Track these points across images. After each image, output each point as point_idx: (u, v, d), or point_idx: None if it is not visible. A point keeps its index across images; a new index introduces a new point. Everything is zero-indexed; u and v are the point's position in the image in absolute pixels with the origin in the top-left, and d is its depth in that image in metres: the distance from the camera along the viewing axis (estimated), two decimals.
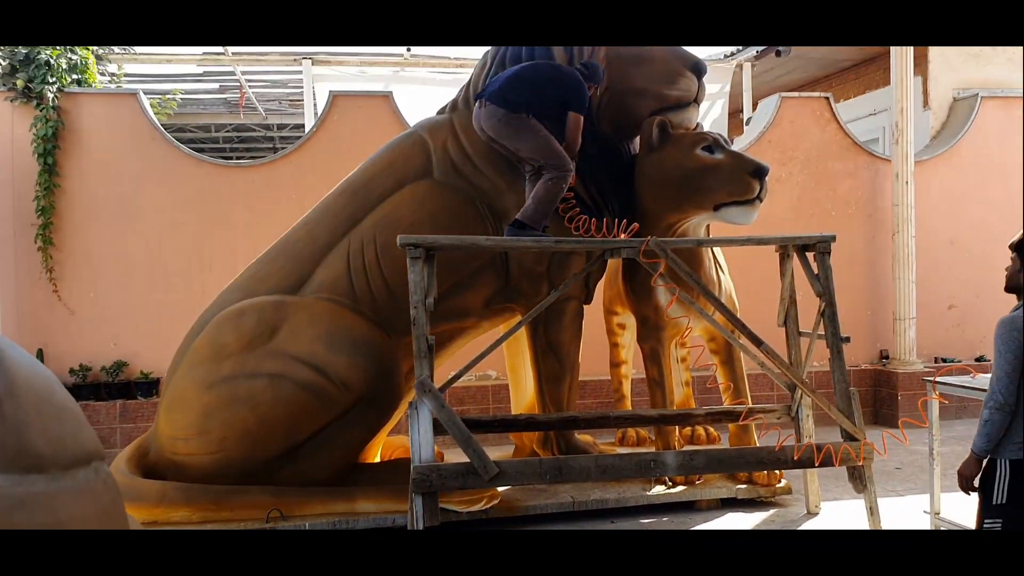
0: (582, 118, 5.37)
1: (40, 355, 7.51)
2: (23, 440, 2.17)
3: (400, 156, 5.92)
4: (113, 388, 7.70)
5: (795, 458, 4.71)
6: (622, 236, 5.23)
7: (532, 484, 5.18)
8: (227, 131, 15.77)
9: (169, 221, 7.95)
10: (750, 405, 5.95)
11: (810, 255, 5.27)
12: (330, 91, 8.27)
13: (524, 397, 6.61)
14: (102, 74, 9.45)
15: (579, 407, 8.36)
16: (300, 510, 5.32)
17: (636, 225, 5.32)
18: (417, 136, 6.00)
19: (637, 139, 6.01)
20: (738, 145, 9.21)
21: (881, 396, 8.99)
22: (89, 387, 7.71)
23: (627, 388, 7.39)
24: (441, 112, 6.18)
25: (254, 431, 5.28)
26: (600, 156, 5.91)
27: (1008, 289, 3.54)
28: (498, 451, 6.98)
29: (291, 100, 13.15)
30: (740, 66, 11.03)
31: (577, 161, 5.79)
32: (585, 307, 6.10)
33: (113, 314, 7.83)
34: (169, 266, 7.92)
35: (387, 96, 8.28)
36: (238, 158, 15.48)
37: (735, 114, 11.77)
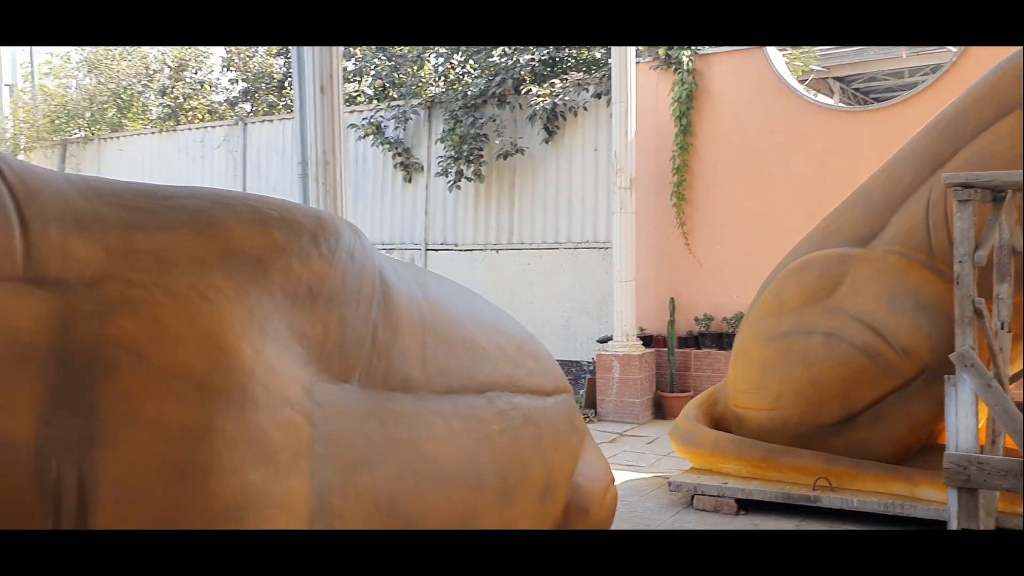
0: None
1: (672, 304, 8.15)
2: (392, 364, 2.44)
3: (1005, 80, 4.79)
4: (733, 338, 7.92)
5: None
6: None
7: None
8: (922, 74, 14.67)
9: (792, 173, 7.81)
10: None
11: None
12: None
13: None
14: None
15: None
16: (851, 483, 4.81)
17: None
18: None
19: None
20: None
21: None
22: (711, 336, 8.10)
23: None
24: None
25: (808, 391, 4.94)
26: None
27: None
28: None
29: None
30: None
31: None
32: None
33: (736, 266, 8.04)
34: (789, 220, 7.78)
35: None
36: None
37: None
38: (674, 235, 8.38)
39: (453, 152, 9.74)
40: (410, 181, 10.55)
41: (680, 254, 8.36)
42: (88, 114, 13.60)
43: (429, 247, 10.36)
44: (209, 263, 1.93)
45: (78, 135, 13.42)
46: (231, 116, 12.96)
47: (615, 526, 4.57)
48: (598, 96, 9.19)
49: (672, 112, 8.27)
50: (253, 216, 2.07)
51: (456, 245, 10.20)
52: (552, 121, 9.42)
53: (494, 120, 9.69)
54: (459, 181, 9.81)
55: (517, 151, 9.59)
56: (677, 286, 8.35)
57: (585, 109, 9.37)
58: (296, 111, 4.67)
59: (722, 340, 8.06)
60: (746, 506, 4.99)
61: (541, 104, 9.27)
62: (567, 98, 9.31)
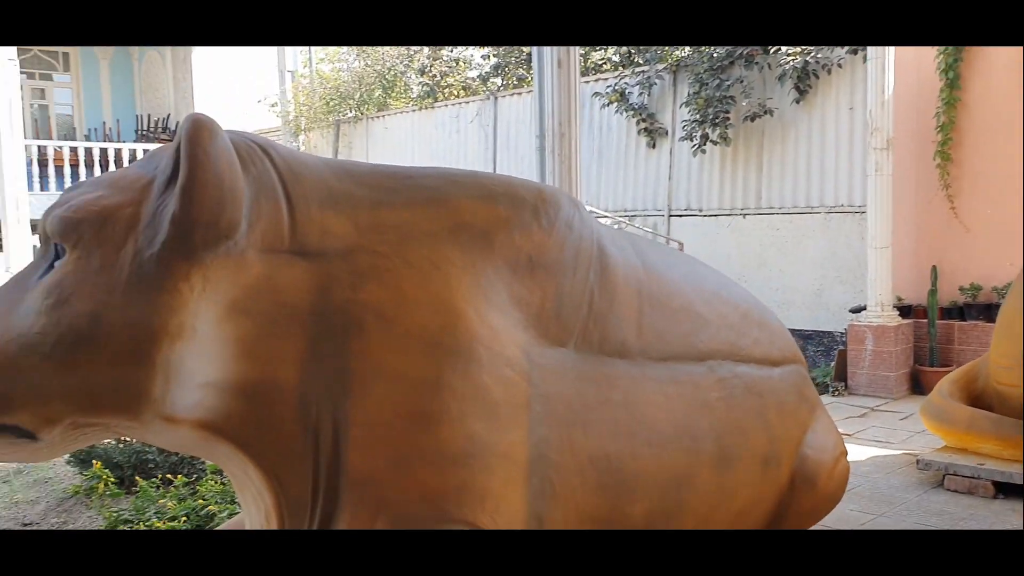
0: None
1: (934, 272, 7.61)
2: (607, 330, 2.60)
3: None
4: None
5: None
6: None
7: None
8: None
9: None
10: None
11: None
12: None
13: None
14: None
15: None
16: None
17: None
18: None
19: None
20: None
21: None
22: (978, 307, 7.49)
23: None
24: None
25: None
26: None
27: None
28: None
29: None
30: None
31: None
32: None
33: (1009, 232, 7.35)
34: None
35: None
36: None
37: None
38: (937, 198, 7.79)
39: (698, 116, 9.62)
40: (654, 147, 10.55)
41: (943, 218, 7.76)
42: (357, 95, 14.79)
43: (672, 213, 10.33)
44: (441, 236, 2.15)
45: (349, 115, 14.65)
46: (483, 91, 13.57)
47: (853, 501, 4.45)
48: (854, 52, 8.67)
49: (937, 65, 7.65)
50: (480, 192, 2.27)
51: (701, 211, 10.10)
52: (803, 80, 9.02)
53: (741, 81, 9.44)
54: (704, 145, 9.68)
55: (766, 112, 9.29)
56: (939, 253, 7.77)
57: (839, 66, 8.88)
58: (535, 85, 4.87)
59: (991, 311, 7.40)
60: (1005, 490, 4.64)
61: (792, 63, 8.91)
62: (820, 55, 8.88)
